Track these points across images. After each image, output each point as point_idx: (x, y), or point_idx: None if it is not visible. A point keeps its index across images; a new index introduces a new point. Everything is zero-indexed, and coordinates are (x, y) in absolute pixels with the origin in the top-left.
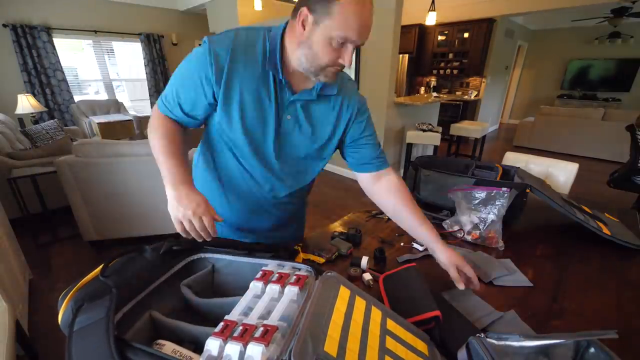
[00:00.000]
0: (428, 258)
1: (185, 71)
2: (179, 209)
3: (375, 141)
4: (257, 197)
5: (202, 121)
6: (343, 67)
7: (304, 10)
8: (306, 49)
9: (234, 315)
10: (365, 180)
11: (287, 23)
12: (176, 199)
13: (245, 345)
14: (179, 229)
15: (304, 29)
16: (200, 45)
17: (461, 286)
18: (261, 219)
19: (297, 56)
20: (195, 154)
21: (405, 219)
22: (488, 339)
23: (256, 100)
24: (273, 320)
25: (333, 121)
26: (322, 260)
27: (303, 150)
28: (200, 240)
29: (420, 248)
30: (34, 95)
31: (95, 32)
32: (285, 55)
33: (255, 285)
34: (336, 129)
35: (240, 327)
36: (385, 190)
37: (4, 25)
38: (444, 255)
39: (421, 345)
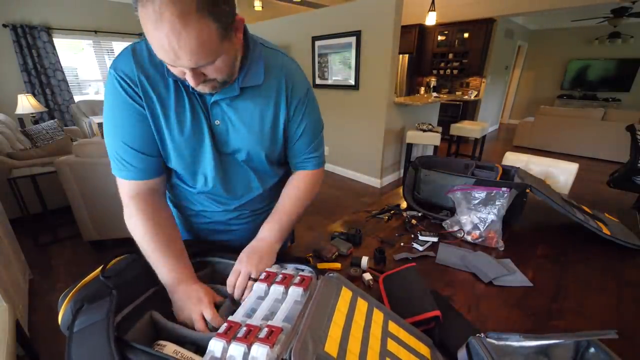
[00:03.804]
0: (427, 258)
1: (111, 112)
2: (179, 316)
3: (311, 138)
4: (214, 214)
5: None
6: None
7: None
8: None
9: (237, 317)
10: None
11: None
12: (174, 307)
13: (249, 347)
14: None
15: None
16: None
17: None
18: (229, 234)
19: None
20: None
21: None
22: (488, 339)
23: (180, 115)
24: (277, 321)
25: (272, 112)
26: (338, 266)
27: (246, 151)
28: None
29: (420, 248)
30: (34, 95)
31: (95, 32)
32: None
33: (258, 287)
34: (277, 120)
35: (244, 328)
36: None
37: (4, 25)
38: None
39: (424, 349)
